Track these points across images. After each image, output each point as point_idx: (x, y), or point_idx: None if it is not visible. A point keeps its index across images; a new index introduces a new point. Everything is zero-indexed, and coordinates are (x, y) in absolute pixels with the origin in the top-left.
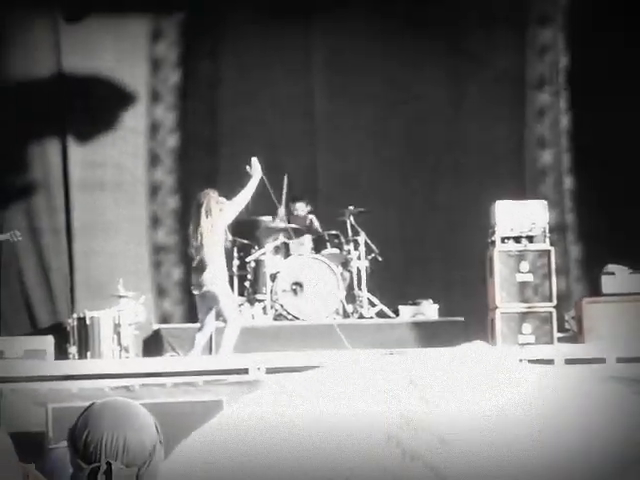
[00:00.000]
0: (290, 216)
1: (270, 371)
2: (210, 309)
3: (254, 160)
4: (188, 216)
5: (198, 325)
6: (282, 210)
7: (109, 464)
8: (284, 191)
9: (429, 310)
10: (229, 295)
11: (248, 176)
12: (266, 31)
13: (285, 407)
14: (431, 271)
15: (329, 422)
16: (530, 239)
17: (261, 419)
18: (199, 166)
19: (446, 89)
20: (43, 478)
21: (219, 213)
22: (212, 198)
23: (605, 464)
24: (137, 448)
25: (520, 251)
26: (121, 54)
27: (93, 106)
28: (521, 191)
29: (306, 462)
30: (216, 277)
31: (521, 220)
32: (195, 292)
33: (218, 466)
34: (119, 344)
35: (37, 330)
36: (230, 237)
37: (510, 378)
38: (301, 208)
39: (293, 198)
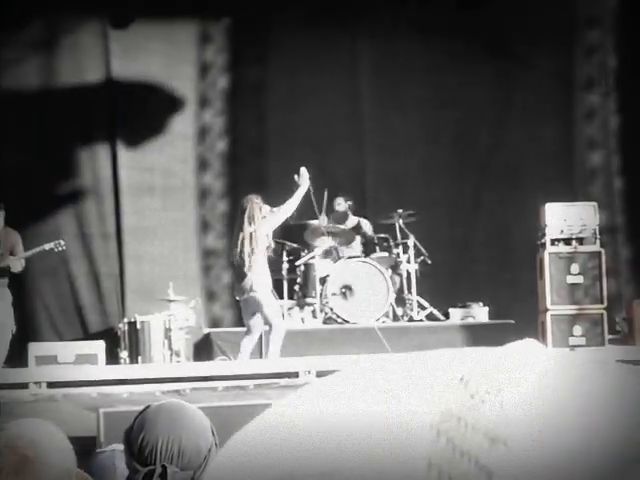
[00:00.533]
0: (331, 213)
1: (320, 374)
2: (254, 314)
3: (303, 170)
4: (236, 220)
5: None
6: (322, 218)
7: (164, 467)
8: (324, 203)
9: (479, 313)
10: (270, 301)
11: (296, 182)
12: (314, 35)
13: (325, 408)
14: (481, 273)
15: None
16: (580, 241)
17: (302, 420)
18: (248, 170)
19: (494, 91)
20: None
21: (262, 220)
22: (255, 204)
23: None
24: (193, 452)
25: (570, 253)
26: (170, 59)
27: (142, 111)
28: (570, 193)
29: (347, 461)
30: (257, 283)
31: (571, 222)
32: (237, 298)
33: (259, 468)
34: (170, 348)
35: (88, 335)
36: (273, 245)
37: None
38: (340, 203)
39: (333, 196)
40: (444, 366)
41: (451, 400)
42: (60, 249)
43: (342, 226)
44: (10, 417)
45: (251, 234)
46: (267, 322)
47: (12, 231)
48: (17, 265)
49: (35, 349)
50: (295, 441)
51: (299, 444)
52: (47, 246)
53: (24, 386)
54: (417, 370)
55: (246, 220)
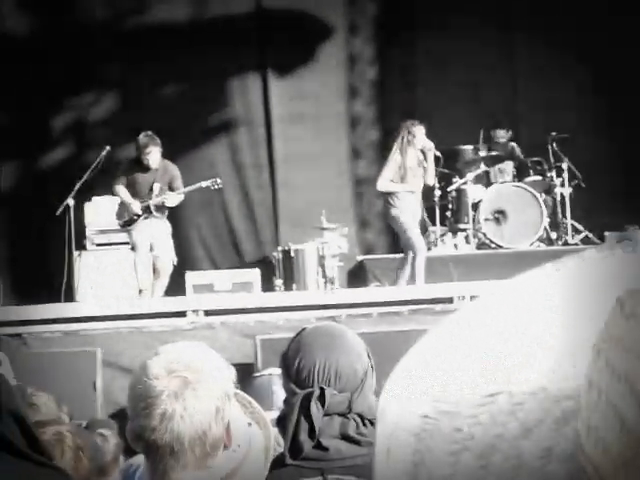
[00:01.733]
0: (491, 143)
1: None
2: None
3: None
4: (387, 148)
5: (401, 255)
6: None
7: (322, 390)
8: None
9: (636, 236)
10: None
11: (444, 108)
12: None
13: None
14: (637, 198)
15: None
16: None
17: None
18: (397, 98)
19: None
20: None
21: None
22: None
23: None
24: (349, 374)
25: None
26: None
27: (292, 40)
28: None
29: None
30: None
31: None
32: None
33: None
34: (324, 276)
35: (244, 263)
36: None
37: None
38: (501, 135)
39: (494, 124)
40: (608, 284)
41: (610, 321)
42: (217, 187)
43: (494, 153)
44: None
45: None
46: (412, 247)
47: (170, 165)
48: (174, 200)
49: (192, 278)
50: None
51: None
52: (204, 184)
53: (182, 314)
54: (573, 287)
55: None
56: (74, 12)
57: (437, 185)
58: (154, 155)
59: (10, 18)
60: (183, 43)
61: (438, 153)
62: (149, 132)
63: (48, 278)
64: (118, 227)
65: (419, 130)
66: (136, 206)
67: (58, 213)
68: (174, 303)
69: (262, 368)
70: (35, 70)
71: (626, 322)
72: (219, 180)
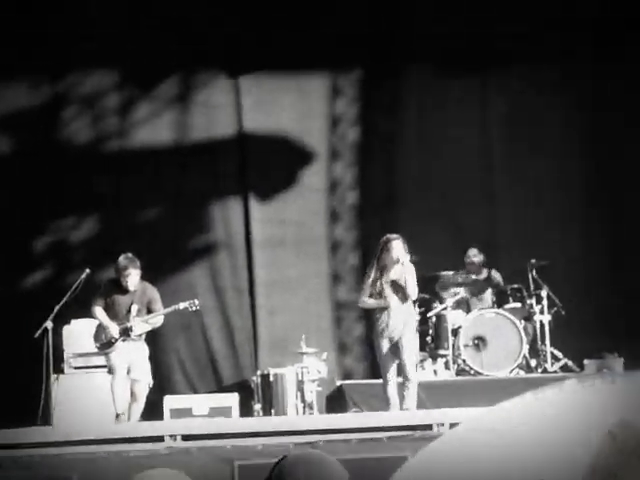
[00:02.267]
0: (465, 265)
1: (453, 426)
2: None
3: None
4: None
5: (380, 381)
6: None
7: None
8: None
9: (614, 364)
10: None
11: (425, 233)
12: (444, 86)
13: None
14: (616, 324)
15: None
16: None
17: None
18: (378, 222)
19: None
20: None
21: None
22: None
23: None
24: None
25: None
26: (301, 112)
27: (274, 164)
28: None
29: None
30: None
31: None
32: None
33: None
34: (303, 401)
35: (222, 388)
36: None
37: None
38: (474, 255)
39: (465, 247)
40: (589, 414)
41: (600, 454)
42: (194, 309)
43: (474, 277)
44: (146, 470)
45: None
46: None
47: (149, 287)
48: (142, 327)
49: (170, 402)
50: None
51: None
52: (182, 305)
53: (160, 439)
54: (561, 417)
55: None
56: (57, 134)
57: (417, 310)
58: (133, 277)
59: None
60: (165, 166)
61: (410, 265)
62: (129, 254)
63: (25, 401)
64: (96, 350)
65: (394, 244)
66: (114, 329)
67: (36, 336)
68: (151, 428)
69: None
70: (16, 191)
71: (619, 456)
72: (197, 301)
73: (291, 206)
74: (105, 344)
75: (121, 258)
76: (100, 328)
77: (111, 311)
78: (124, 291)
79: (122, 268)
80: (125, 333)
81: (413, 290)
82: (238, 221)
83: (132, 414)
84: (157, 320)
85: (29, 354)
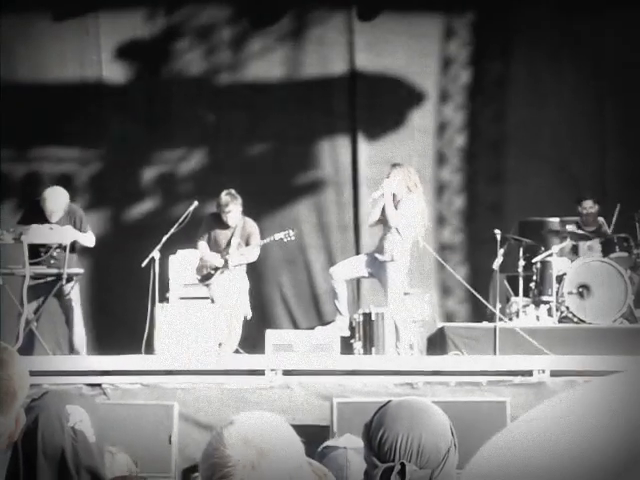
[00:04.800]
0: (580, 216)
1: (554, 373)
2: None
3: None
4: (474, 215)
5: (482, 324)
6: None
7: (403, 465)
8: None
9: None
10: None
11: (532, 176)
12: (557, 30)
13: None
14: None
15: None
16: None
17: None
18: (485, 166)
19: None
20: (326, 470)
21: None
22: None
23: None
24: (432, 451)
25: None
26: (413, 52)
27: (383, 104)
28: None
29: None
30: None
31: None
32: None
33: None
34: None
35: (324, 324)
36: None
37: None
38: (590, 206)
39: (579, 198)
40: None
41: None
42: (289, 239)
43: (586, 228)
44: (246, 403)
45: None
46: None
47: (249, 222)
48: (239, 259)
49: (272, 336)
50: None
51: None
52: (277, 236)
53: (261, 373)
54: None
55: None
56: (169, 66)
57: (522, 255)
58: (234, 213)
59: (106, 68)
60: (275, 102)
61: (377, 194)
62: (231, 190)
63: (129, 329)
64: (196, 276)
65: (391, 173)
66: (215, 260)
67: (143, 265)
68: (253, 361)
69: (338, 431)
70: (127, 121)
71: None
72: (292, 232)
73: (399, 147)
74: (205, 276)
75: (223, 194)
76: (202, 261)
77: (212, 244)
78: (225, 225)
79: (223, 204)
80: (224, 265)
81: (391, 218)
82: (346, 159)
83: (229, 344)
84: (254, 253)
85: (136, 283)
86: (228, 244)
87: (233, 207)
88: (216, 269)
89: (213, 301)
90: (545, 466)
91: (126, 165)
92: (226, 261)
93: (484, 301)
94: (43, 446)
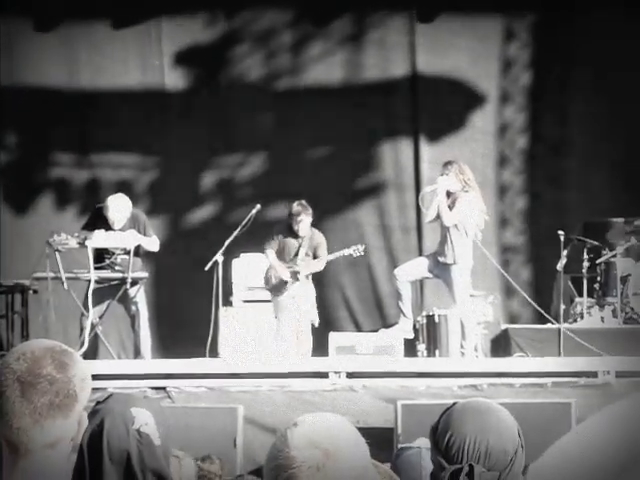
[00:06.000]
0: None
1: (620, 375)
2: None
3: None
4: (535, 217)
5: (547, 326)
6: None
7: (471, 467)
8: None
9: None
10: None
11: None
12: (621, 32)
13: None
14: None
15: None
16: None
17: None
18: (547, 167)
19: None
20: (392, 473)
21: None
22: None
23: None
24: (499, 452)
25: None
26: (474, 54)
27: (445, 106)
28: None
29: None
30: None
31: None
32: None
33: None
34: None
35: (387, 327)
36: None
37: None
38: None
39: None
40: None
41: None
42: (359, 254)
43: None
44: (310, 405)
45: None
46: None
47: (317, 233)
48: (308, 270)
49: (336, 339)
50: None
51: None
52: (346, 251)
53: (324, 375)
54: None
55: None
56: (229, 71)
57: (586, 256)
58: (304, 223)
59: (168, 74)
60: (336, 105)
61: (430, 188)
62: (303, 201)
63: (194, 333)
64: (264, 285)
65: (444, 171)
66: (284, 272)
67: (207, 269)
68: (316, 364)
69: (402, 433)
70: (187, 127)
71: None
72: (361, 247)
73: (460, 148)
74: (275, 286)
75: (295, 204)
76: (271, 270)
77: (281, 253)
78: (294, 235)
79: (295, 214)
80: (293, 276)
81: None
82: (408, 161)
83: (300, 354)
84: (320, 265)
85: (200, 287)
86: (296, 254)
87: (304, 217)
88: (288, 279)
89: (278, 312)
90: (610, 470)
91: (187, 170)
92: (295, 274)
93: (535, 305)
94: (109, 449)
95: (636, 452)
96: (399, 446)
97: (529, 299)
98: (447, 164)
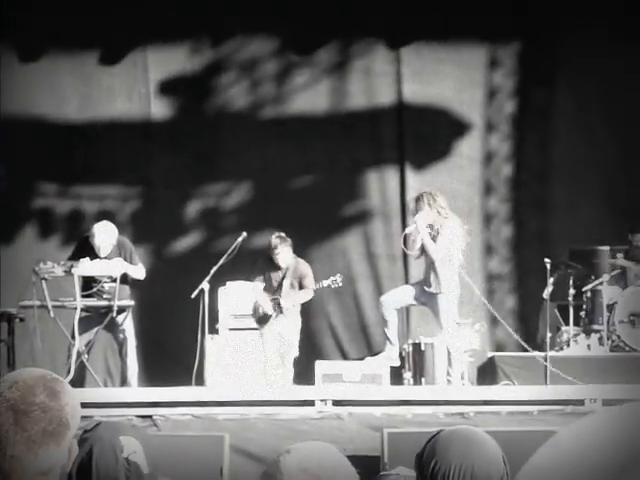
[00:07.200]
0: (629, 247)
1: (606, 403)
2: None
3: None
4: (521, 245)
5: (533, 354)
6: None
7: None
8: None
9: None
10: None
11: (580, 205)
12: (605, 59)
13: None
14: None
15: None
16: None
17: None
18: (532, 194)
19: None
20: None
21: None
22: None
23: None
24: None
25: None
26: (459, 82)
27: (430, 134)
28: None
29: None
30: None
31: None
32: None
33: None
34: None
35: (373, 355)
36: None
37: None
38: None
39: (632, 229)
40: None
41: None
42: (337, 285)
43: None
44: (296, 433)
45: None
46: None
47: (302, 263)
48: (292, 301)
49: (322, 367)
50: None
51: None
52: (325, 282)
53: (311, 403)
54: None
55: None
56: (213, 100)
57: (572, 284)
58: (284, 255)
59: (154, 102)
60: (321, 134)
61: (410, 229)
62: (281, 234)
63: (179, 361)
64: (251, 314)
65: (416, 206)
66: (267, 307)
67: (193, 296)
68: (303, 392)
69: (389, 461)
70: (172, 156)
71: None
72: (339, 278)
73: (446, 176)
74: (261, 318)
75: (273, 237)
76: (257, 303)
77: (265, 285)
78: (277, 267)
79: (273, 247)
80: (277, 308)
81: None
82: (394, 189)
83: (281, 384)
84: (306, 296)
85: (186, 315)
86: (279, 285)
87: (282, 249)
88: (272, 312)
89: (263, 340)
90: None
91: (172, 199)
92: (279, 306)
93: (516, 336)
94: (98, 477)
95: (636, 452)
96: (380, 474)
97: (510, 330)
98: (417, 199)
